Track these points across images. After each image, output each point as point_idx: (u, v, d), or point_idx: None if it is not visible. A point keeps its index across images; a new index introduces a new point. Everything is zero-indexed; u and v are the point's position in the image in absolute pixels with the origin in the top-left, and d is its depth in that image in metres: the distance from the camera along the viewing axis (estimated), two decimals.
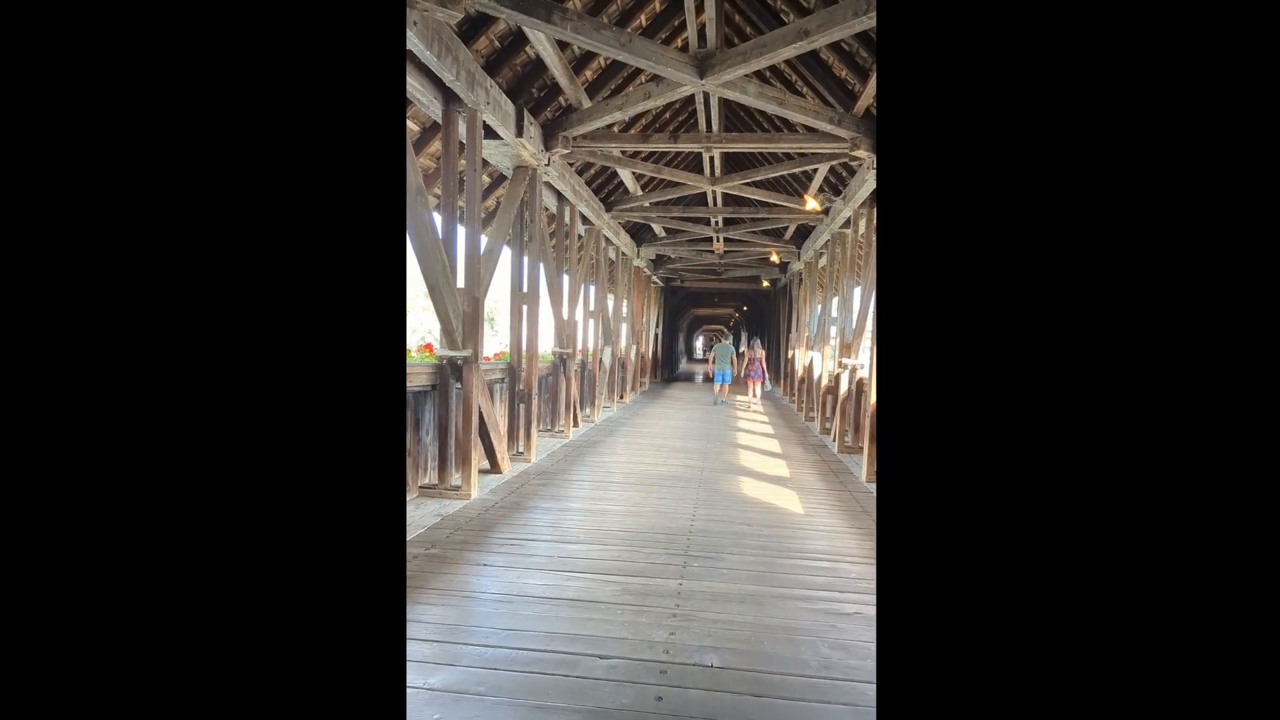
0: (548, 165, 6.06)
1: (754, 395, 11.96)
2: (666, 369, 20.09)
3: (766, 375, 12.92)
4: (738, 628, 2.57)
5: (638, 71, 6.14)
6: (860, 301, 7.34)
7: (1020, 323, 0.91)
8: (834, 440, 7.62)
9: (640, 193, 8.88)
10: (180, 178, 0.90)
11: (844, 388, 7.47)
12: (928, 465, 0.93)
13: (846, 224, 8.20)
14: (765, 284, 17.00)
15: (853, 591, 3.02)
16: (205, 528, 0.90)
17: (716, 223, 10.79)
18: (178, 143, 0.90)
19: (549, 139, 5.85)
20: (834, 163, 6.59)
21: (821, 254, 10.39)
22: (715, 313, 28.76)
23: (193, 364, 0.90)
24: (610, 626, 2.54)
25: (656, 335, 17.79)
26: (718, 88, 4.72)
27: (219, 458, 0.91)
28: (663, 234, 11.91)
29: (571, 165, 7.34)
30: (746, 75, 4.67)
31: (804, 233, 11.63)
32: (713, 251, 12.88)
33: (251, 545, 0.91)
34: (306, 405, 0.94)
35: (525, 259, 6.27)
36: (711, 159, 7.39)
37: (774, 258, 12.60)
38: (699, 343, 38.46)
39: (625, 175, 8.09)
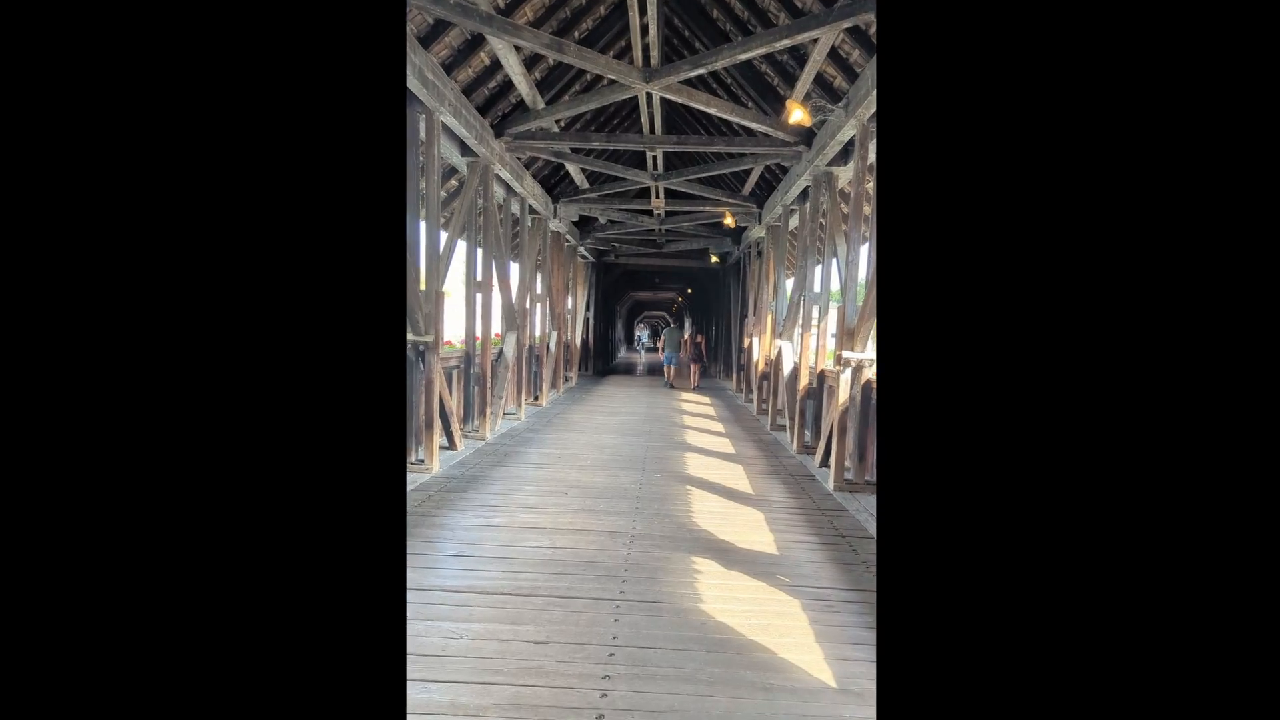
0: None
1: (694, 380, 12.77)
2: (601, 360, 17.38)
3: (704, 357, 13.70)
4: None
5: None
6: (867, 266, 5.09)
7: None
8: (826, 466, 5.19)
9: (542, 105, 6.12)
10: (191, 170, 0.91)
11: (843, 393, 5.04)
12: (937, 470, 0.88)
13: (841, 156, 5.74)
14: (715, 259, 14.51)
15: None
16: (208, 510, 0.89)
17: (655, 162, 8.09)
18: (192, 135, 0.90)
19: None
20: (852, 22, 3.94)
21: (793, 210, 7.93)
22: (657, 297, 26.21)
23: (205, 351, 0.90)
24: None
25: (588, 320, 15.13)
26: None
27: (223, 443, 0.90)
28: (585, 183, 9.16)
29: (423, 40, 4.58)
30: None
31: (768, 186, 9.14)
32: (652, 212, 10.25)
33: (257, 531, 0.91)
34: (311, 391, 0.93)
35: None
36: (645, 24, 4.52)
37: (728, 220, 10.04)
38: (640, 331, 36.02)
39: (505, 54, 5.01)
